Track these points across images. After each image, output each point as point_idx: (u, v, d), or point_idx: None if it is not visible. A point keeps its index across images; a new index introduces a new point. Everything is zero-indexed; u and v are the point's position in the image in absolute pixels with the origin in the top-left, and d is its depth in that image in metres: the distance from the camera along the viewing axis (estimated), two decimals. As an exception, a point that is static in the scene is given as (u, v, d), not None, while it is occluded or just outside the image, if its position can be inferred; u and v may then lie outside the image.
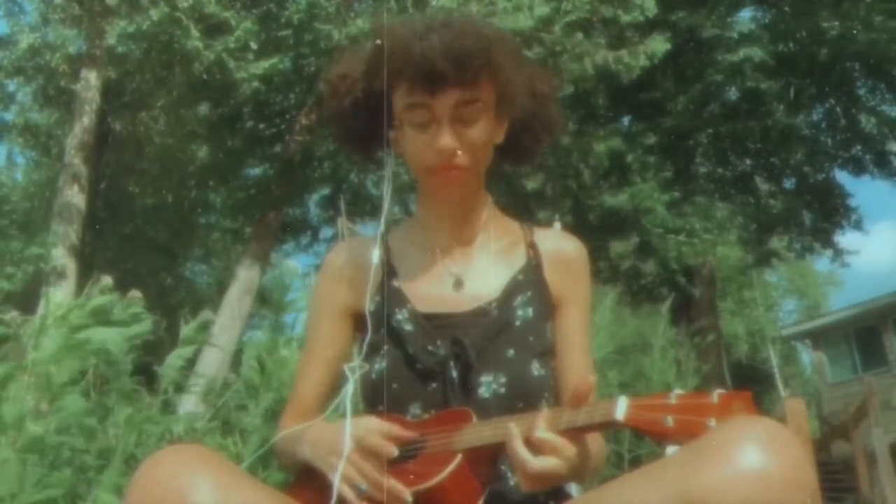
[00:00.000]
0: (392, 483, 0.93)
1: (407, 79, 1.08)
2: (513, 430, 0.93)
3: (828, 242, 13.77)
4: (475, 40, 1.07)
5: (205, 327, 2.38)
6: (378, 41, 1.13)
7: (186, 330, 2.28)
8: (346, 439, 0.95)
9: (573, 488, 1.10)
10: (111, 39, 9.15)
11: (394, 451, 0.94)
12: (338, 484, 0.94)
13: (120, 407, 2.11)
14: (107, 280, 2.39)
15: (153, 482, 0.86)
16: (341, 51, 1.31)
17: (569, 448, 0.91)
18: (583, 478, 1.04)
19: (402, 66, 1.07)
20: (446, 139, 1.09)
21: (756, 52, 11.64)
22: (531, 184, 11.21)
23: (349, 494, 0.95)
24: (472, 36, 1.08)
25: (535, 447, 0.91)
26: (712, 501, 0.75)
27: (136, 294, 2.43)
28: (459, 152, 1.10)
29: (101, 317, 2.14)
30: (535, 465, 0.90)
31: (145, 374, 2.30)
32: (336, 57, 1.27)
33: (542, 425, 0.92)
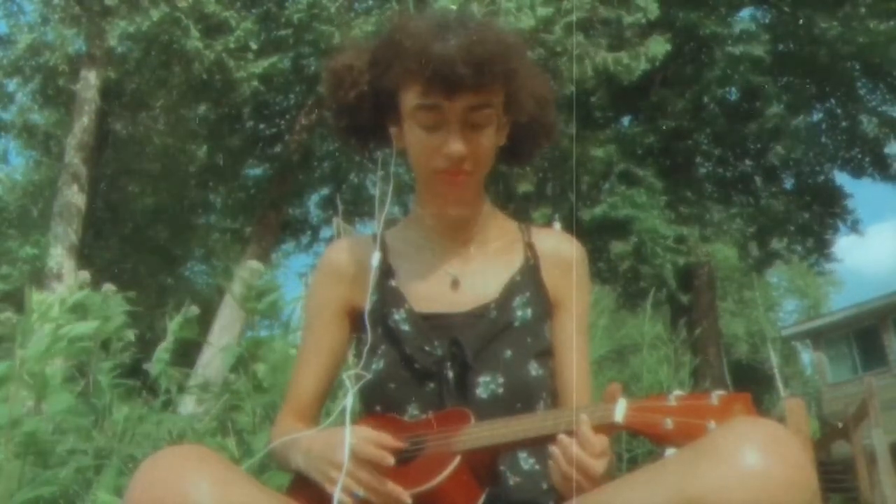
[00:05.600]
0: (391, 486, 0.93)
1: (423, 79, 1.06)
2: (584, 426, 0.91)
3: (824, 245, 13.79)
4: (495, 45, 1.06)
5: (192, 321, 2.37)
6: (391, 35, 1.12)
7: (173, 324, 2.28)
8: (346, 451, 0.94)
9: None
10: (111, 40, 9.15)
11: (390, 460, 0.94)
12: (337, 496, 0.93)
13: (116, 406, 2.10)
14: (84, 275, 2.39)
15: (153, 482, 0.86)
16: (344, 43, 1.29)
17: (609, 449, 0.91)
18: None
19: (420, 65, 1.05)
20: (458, 145, 1.08)
21: (756, 53, 11.64)
22: (526, 185, 11.23)
23: (347, 501, 0.94)
24: (492, 41, 1.07)
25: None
26: (713, 502, 0.75)
27: (109, 287, 2.41)
28: (468, 158, 1.10)
29: (81, 312, 2.13)
30: (599, 467, 0.89)
31: (144, 374, 2.30)
32: (339, 48, 1.25)
33: (589, 427, 0.91)
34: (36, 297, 1.95)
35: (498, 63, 1.06)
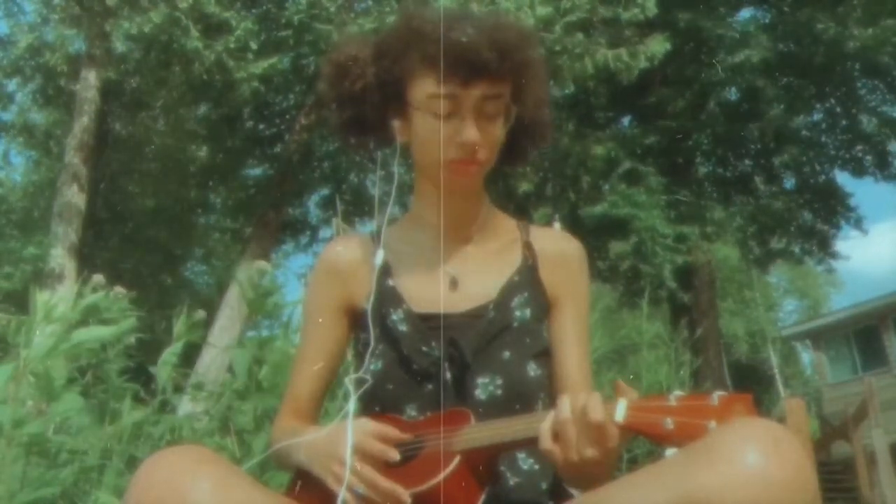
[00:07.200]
0: (391, 485, 0.93)
1: (439, 67, 1.03)
2: (621, 407, 0.87)
3: (825, 245, 13.78)
4: (514, 34, 1.06)
5: (197, 325, 2.38)
6: (404, 24, 1.11)
7: (178, 326, 2.27)
8: (348, 451, 0.94)
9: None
10: (115, 41, 9.16)
11: (395, 454, 0.93)
12: (343, 495, 0.93)
13: (118, 406, 2.10)
14: (98, 278, 2.39)
15: (153, 483, 0.86)
16: (345, 36, 1.27)
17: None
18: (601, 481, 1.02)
19: (437, 52, 1.03)
20: (473, 133, 1.07)
21: (756, 53, 11.64)
22: (526, 184, 11.23)
23: (349, 498, 0.94)
24: (510, 29, 1.07)
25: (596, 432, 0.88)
26: (714, 503, 0.75)
27: (120, 290, 2.42)
28: (481, 147, 1.09)
29: (95, 315, 2.14)
30: (616, 438, 0.86)
31: (143, 374, 2.30)
32: (341, 41, 1.24)
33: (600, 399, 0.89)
34: (41, 298, 1.95)
35: (516, 52, 1.06)
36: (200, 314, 2.41)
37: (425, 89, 1.08)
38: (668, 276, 10.90)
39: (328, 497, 0.96)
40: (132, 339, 2.31)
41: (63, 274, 9.01)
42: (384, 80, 1.13)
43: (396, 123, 1.16)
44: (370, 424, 0.96)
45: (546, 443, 0.89)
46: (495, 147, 1.13)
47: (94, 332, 2.01)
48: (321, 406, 1.25)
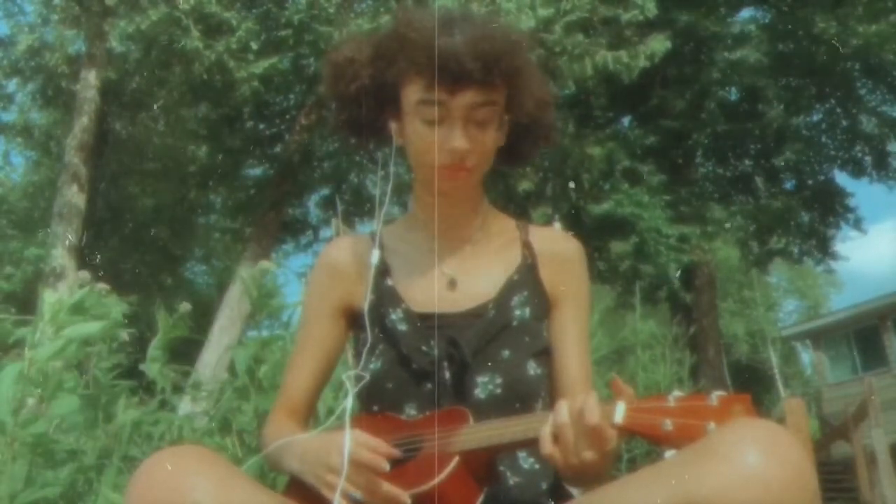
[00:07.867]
0: (389, 486, 0.93)
1: (428, 73, 1.04)
2: (620, 409, 0.87)
3: (825, 245, 13.79)
4: (501, 43, 1.06)
5: (182, 318, 2.36)
6: (396, 29, 1.11)
7: (161, 321, 2.26)
8: (345, 454, 0.93)
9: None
10: (113, 41, 9.16)
11: (385, 466, 0.93)
12: (337, 501, 0.93)
13: (117, 406, 2.11)
14: (84, 275, 2.38)
15: (153, 482, 0.86)
16: (345, 38, 1.27)
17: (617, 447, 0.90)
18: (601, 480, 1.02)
19: (425, 59, 1.04)
20: (461, 141, 1.07)
21: (755, 53, 11.65)
22: (526, 184, 11.23)
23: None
24: (498, 38, 1.06)
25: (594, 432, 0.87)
26: (713, 503, 0.75)
27: (103, 286, 2.40)
28: (470, 154, 1.09)
29: (82, 312, 2.13)
30: (611, 435, 0.87)
31: (142, 374, 2.29)
32: (341, 41, 1.24)
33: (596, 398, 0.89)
34: (49, 299, 1.94)
35: (504, 60, 1.05)
36: (185, 307, 2.38)
37: (415, 95, 1.08)
38: (673, 276, 10.91)
39: (324, 499, 0.96)
40: (125, 336, 2.30)
41: (63, 274, 9.00)
42: (380, 83, 1.13)
43: (394, 125, 1.16)
44: (362, 436, 0.96)
45: (547, 447, 0.90)
46: (487, 153, 1.12)
47: (82, 329, 2.00)
48: (315, 404, 1.25)
